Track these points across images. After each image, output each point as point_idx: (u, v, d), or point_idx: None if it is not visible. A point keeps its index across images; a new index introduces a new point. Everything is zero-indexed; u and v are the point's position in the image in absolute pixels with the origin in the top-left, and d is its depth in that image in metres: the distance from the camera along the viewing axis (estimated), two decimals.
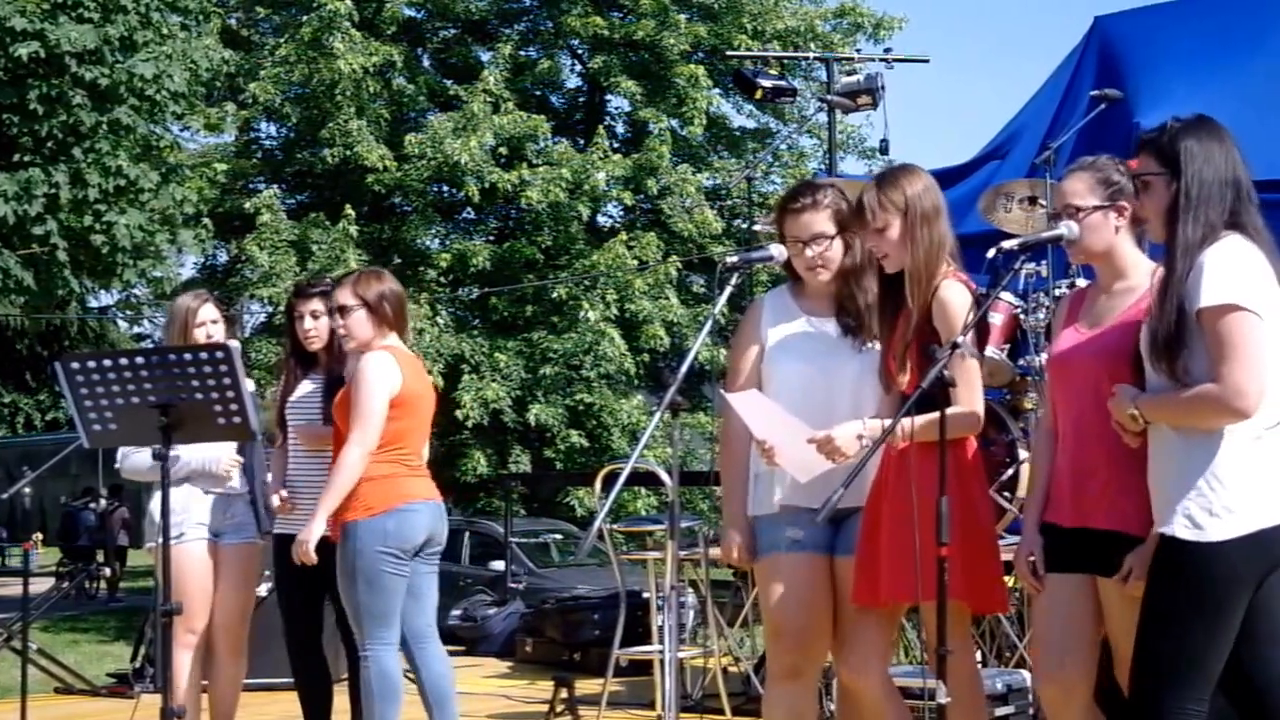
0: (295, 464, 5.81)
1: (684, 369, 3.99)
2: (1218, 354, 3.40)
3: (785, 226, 4.31)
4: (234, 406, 4.70)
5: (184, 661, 5.56)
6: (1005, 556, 4.25)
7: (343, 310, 5.42)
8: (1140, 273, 3.85)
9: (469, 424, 16.78)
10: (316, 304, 5.78)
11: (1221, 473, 3.44)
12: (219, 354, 4.68)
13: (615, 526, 7.71)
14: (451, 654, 10.64)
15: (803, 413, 4.12)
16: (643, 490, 16.04)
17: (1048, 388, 4.07)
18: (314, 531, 5.22)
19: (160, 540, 4.83)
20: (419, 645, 5.45)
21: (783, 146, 19.58)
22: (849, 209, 4.26)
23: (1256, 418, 3.43)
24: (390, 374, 5.31)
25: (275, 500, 5.74)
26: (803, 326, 4.32)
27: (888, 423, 3.90)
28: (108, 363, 4.70)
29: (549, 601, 10.75)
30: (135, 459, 5.66)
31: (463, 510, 18.75)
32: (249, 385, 5.22)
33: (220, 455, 5.67)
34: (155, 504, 5.31)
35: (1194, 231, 3.49)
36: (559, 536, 16.35)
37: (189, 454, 5.58)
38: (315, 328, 5.81)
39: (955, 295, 3.98)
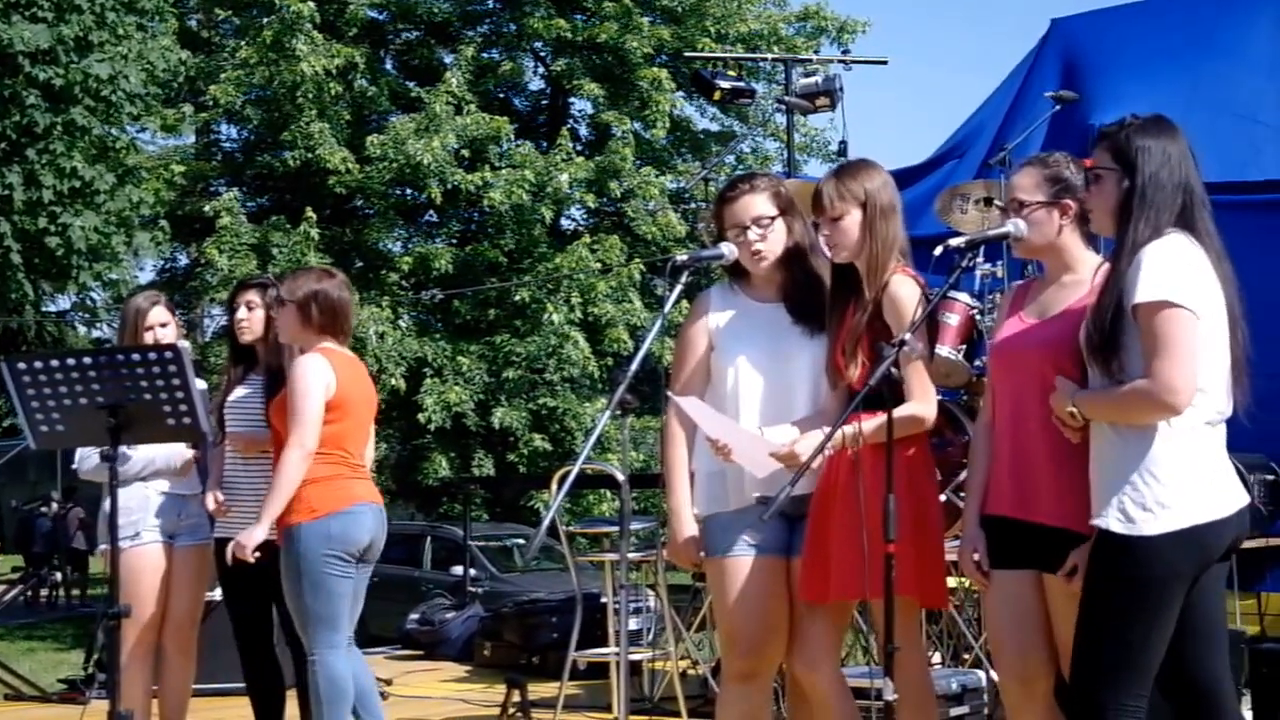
0: (232, 467, 5.70)
1: (633, 368, 3.92)
2: (1151, 349, 3.41)
3: (725, 216, 4.21)
4: (184, 407, 4.66)
5: (133, 665, 5.51)
6: (951, 557, 4.24)
7: (280, 304, 5.41)
8: (1087, 267, 3.85)
9: (431, 427, 16.73)
10: (252, 295, 5.71)
11: (1155, 468, 3.45)
12: (168, 354, 4.66)
13: (572, 528, 7.69)
14: (409, 658, 10.72)
15: (760, 402, 4.10)
16: (607, 493, 16.01)
17: (989, 377, 4.04)
18: (256, 536, 5.13)
19: (111, 543, 4.79)
20: None
21: (747, 149, 19.58)
22: (787, 194, 4.22)
23: (1193, 414, 3.45)
24: (323, 376, 5.24)
25: (210, 502, 5.63)
26: (752, 315, 4.23)
27: (846, 429, 3.88)
28: (55, 363, 4.65)
29: (507, 605, 10.73)
30: (93, 460, 5.58)
31: (425, 516, 18.68)
32: (201, 385, 5.18)
33: (181, 449, 5.62)
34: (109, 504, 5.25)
35: (1143, 232, 3.49)
36: (522, 541, 16.29)
37: (150, 451, 5.52)
38: (248, 319, 5.72)
39: (906, 290, 3.98)
